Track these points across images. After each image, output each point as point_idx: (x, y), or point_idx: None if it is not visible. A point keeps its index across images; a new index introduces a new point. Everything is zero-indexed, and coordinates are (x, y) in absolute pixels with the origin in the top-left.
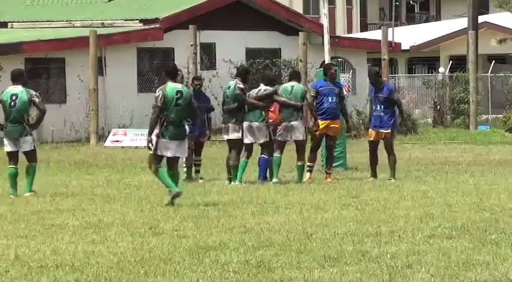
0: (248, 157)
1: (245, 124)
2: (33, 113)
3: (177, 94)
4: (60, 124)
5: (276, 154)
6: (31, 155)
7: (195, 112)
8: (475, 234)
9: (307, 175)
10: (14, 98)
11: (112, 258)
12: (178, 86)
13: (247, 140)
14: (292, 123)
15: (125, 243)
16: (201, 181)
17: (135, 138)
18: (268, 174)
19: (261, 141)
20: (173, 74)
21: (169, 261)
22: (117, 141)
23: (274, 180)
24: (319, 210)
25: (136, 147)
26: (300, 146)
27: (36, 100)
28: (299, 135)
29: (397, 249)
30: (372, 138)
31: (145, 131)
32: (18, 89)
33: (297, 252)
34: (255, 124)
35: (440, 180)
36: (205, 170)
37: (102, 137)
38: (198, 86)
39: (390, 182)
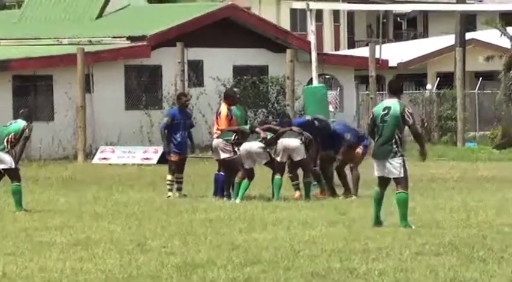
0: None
1: (243, 149)
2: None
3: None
4: (48, 141)
5: (277, 176)
6: (11, 174)
7: None
8: (462, 251)
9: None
10: (10, 123)
11: (100, 275)
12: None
13: (246, 165)
14: (291, 143)
15: (112, 260)
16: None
17: (122, 155)
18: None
19: (263, 163)
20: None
21: (157, 279)
22: (105, 158)
23: (274, 200)
24: (306, 227)
25: (124, 164)
26: (303, 165)
27: (26, 133)
28: (297, 156)
29: (384, 266)
30: None
31: (133, 148)
32: (20, 121)
33: (285, 269)
34: (254, 147)
35: (427, 197)
36: (193, 187)
37: (89, 154)
38: (187, 103)
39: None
